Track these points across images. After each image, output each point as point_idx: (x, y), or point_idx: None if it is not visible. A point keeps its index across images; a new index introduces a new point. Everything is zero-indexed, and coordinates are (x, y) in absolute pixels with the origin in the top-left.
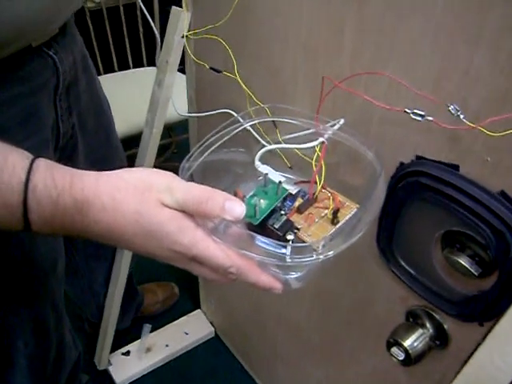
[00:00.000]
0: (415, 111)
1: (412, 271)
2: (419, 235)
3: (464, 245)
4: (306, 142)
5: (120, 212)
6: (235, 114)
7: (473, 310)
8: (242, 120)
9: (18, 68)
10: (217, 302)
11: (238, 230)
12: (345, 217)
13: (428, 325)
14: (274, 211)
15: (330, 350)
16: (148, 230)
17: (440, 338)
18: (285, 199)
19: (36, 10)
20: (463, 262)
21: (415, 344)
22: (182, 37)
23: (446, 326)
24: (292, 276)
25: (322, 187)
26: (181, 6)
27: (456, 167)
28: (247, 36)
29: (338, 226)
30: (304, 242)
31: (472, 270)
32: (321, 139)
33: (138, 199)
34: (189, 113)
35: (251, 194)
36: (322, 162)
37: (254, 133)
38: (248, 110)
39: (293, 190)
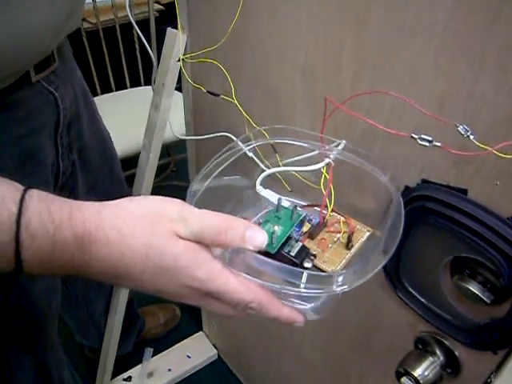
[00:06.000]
0: (422, 136)
1: (420, 298)
2: (427, 261)
3: (474, 271)
4: (308, 164)
5: (128, 246)
6: (233, 137)
7: (486, 339)
8: (241, 144)
9: (18, 108)
10: (219, 324)
11: (247, 258)
12: (358, 241)
13: (438, 352)
14: (287, 238)
15: (337, 375)
16: (160, 265)
17: (451, 366)
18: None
19: (28, 26)
20: (474, 290)
21: (426, 373)
22: (178, 60)
23: (457, 353)
24: (307, 306)
25: (331, 210)
26: (177, 27)
27: (464, 191)
28: (244, 58)
29: (352, 250)
30: (321, 269)
31: (484, 298)
32: (327, 160)
33: (148, 231)
34: (186, 135)
35: (264, 220)
36: (331, 185)
37: (254, 157)
38: (247, 133)
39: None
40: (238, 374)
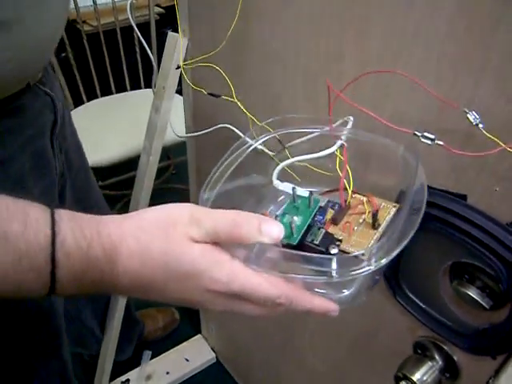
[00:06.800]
0: (425, 134)
1: (419, 303)
2: (426, 266)
3: (473, 276)
4: (320, 151)
5: (147, 256)
6: (235, 129)
7: (484, 344)
8: (250, 140)
9: (24, 111)
10: (217, 328)
11: (274, 256)
12: (385, 218)
13: (437, 357)
14: (309, 227)
15: (336, 379)
16: (180, 272)
17: (450, 371)
18: (315, 214)
19: (42, 35)
20: (473, 295)
21: (425, 378)
22: (178, 67)
23: (455, 358)
24: (342, 295)
25: (352, 192)
26: (177, 30)
27: (463, 197)
28: (245, 61)
29: (380, 229)
30: (348, 254)
31: (482, 303)
32: (339, 142)
33: (163, 238)
34: (186, 133)
35: (282, 212)
36: (347, 166)
37: (266, 150)
38: (252, 130)
39: (321, 201)
40: (237, 377)
